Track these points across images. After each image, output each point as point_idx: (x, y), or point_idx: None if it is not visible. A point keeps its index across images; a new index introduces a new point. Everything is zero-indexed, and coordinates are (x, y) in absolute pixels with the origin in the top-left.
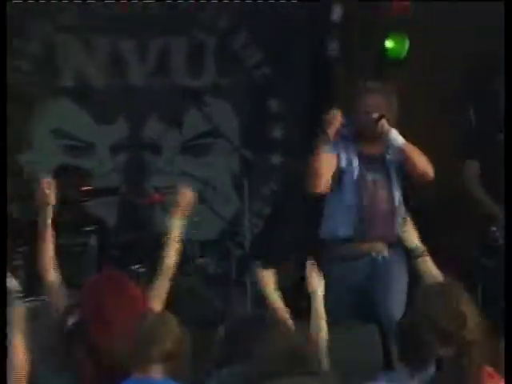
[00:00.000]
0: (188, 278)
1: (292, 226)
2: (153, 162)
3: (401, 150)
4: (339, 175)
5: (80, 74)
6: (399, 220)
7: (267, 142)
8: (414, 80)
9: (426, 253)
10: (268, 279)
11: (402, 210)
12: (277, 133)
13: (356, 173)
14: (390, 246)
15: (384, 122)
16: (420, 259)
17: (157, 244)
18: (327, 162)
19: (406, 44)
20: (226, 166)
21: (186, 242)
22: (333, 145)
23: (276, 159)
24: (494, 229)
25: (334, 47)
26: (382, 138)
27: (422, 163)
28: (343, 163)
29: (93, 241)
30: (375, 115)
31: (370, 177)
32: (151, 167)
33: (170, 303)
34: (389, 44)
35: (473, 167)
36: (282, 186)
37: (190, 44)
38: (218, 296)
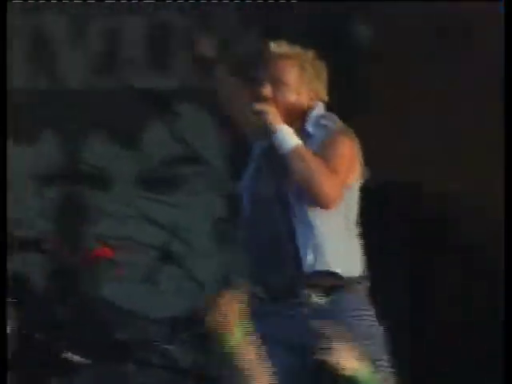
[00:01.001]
0: (151, 374)
1: None
2: (96, 201)
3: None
4: None
5: None
6: (310, 256)
7: None
8: None
9: None
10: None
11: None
12: None
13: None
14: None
15: (267, 113)
16: None
17: (102, 324)
18: None
19: None
20: (205, 208)
21: (145, 322)
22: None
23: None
24: None
25: None
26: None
27: (311, 183)
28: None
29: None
30: (255, 105)
31: (262, 189)
32: (93, 208)
33: None
34: None
35: None
36: None
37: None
38: None
